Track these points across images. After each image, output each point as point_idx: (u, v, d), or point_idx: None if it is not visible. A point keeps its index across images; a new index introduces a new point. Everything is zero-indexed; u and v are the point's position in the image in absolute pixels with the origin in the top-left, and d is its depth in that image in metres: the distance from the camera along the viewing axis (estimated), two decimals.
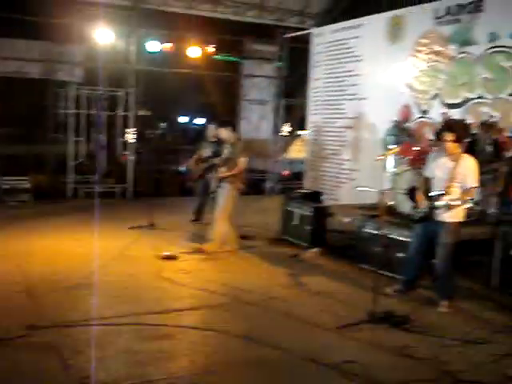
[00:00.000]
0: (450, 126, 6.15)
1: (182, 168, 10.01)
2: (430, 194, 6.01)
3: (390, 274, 6.94)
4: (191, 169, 10.20)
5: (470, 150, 8.74)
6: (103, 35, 13.17)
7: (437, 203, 5.86)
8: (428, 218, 6.03)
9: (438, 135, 6.34)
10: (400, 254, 7.01)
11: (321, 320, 5.72)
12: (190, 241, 9.02)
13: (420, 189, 6.26)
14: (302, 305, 6.27)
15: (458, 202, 5.69)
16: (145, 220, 9.95)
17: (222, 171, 8.19)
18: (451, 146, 5.84)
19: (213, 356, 4.84)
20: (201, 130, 9.59)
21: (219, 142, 8.61)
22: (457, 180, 5.79)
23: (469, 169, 5.82)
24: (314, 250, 8.54)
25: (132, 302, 6.09)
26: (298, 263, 8.13)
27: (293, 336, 5.34)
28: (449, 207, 5.76)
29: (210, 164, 9.55)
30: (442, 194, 5.80)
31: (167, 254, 7.89)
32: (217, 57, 15.54)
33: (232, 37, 15.70)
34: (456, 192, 5.77)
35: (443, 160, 5.98)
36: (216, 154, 8.67)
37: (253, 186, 15.76)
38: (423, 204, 6.07)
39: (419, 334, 5.41)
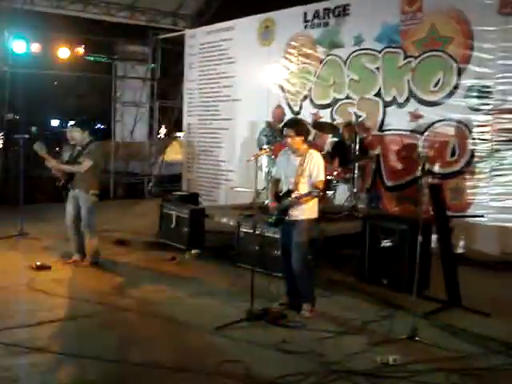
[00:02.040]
0: (288, 123, 6.35)
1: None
2: (279, 195, 6.03)
3: (267, 272, 7.08)
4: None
5: (338, 149, 9.23)
6: None
7: (285, 202, 5.86)
8: (281, 221, 5.99)
9: (282, 133, 6.47)
10: (275, 252, 7.16)
11: (199, 322, 5.72)
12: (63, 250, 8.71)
13: (270, 191, 6.24)
14: (179, 308, 6.23)
15: (306, 197, 5.70)
16: (15, 228, 9.48)
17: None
18: (293, 141, 5.90)
19: (95, 367, 4.71)
20: None
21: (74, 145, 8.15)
22: (304, 175, 5.81)
23: (315, 163, 5.83)
24: (192, 251, 8.54)
25: (3, 316, 5.79)
26: (176, 266, 8.10)
27: (170, 342, 5.31)
28: (298, 203, 5.76)
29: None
30: (291, 192, 5.80)
31: (40, 263, 7.56)
32: (88, 58, 15.11)
33: (103, 37, 15.33)
34: (304, 188, 5.78)
35: (289, 157, 6.02)
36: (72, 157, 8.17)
37: (130, 189, 15.56)
38: (273, 207, 6.03)
39: (295, 329, 5.57)
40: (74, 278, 7.36)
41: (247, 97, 12.15)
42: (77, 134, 7.84)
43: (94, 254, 7.85)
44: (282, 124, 7.09)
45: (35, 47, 13.44)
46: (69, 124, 8.95)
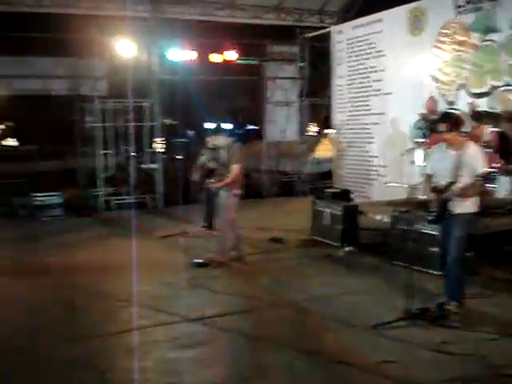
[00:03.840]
0: (440, 118, 6.12)
1: (196, 177, 9.97)
2: (437, 188, 5.77)
3: (424, 270, 6.83)
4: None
5: (499, 140, 8.67)
6: (125, 47, 13.29)
7: (446, 196, 5.64)
8: (442, 216, 5.75)
9: (434, 129, 6.23)
10: (433, 249, 6.90)
11: (355, 320, 5.66)
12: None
13: (426, 187, 6.02)
14: (335, 305, 6.22)
15: (468, 189, 5.48)
16: (176, 228, 10.00)
17: (215, 181, 8.12)
18: (448, 136, 5.71)
19: (247, 362, 4.83)
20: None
21: (216, 149, 8.46)
22: (463, 168, 5.56)
23: (473, 155, 5.60)
24: (346, 249, 8.47)
25: (167, 311, 6.11)
26: (331, 263, 8.08)
27: (327, 337, 5.29)
28: (459, 197, 5.55)
29: (206, 171, 9.64)
30: (451, 184, 5.58)
31: (199, 261, 7.90)
32: (239, 61, 15.53)
33: (252, 40, 15.69)
34: (465, 181, 5.55)
35: (446, 152, 5.80)
36: (214, 161, 8.52)
37: (282, 187, 15.78)
38: (434, 202, 5.79)
39: (455, 330, 5.32)
40: (230, 274, 7.60)
41: (398, 90, 11.83)
42: (219, 139, 8.18)
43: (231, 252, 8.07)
44: (436, 119, 6.82)
45: (189, 54, 14.06)
46: (208, 128, 9.33)
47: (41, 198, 12.46)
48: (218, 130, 8.36)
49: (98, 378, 4.53)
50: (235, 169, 7.88)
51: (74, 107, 14.23)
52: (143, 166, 14.51)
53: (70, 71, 13.70)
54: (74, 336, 5.40)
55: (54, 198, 12.58)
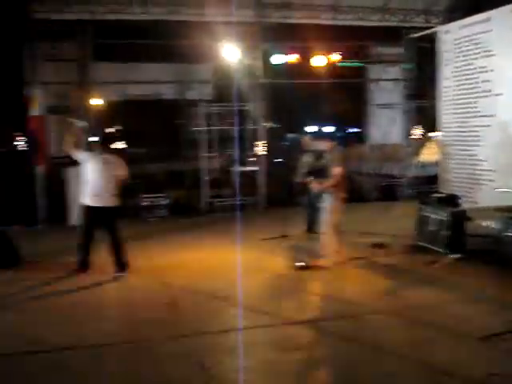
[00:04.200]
0: None
1: (298, 180, 10.03)
2: None
3: None
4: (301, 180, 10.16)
5: None
6: (230, 52, 13.55)
7: None
8: None
9: None
10: None
11: (462, 329, 5.47)
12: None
13: None
14: (440, 313, 6.04)
15: None
16: (277, 231, 10.06)
17: (317, 183, 8.06)
18: None
19: (353, 368, 4.78)
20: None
21: (316, 152, 8.51)
22: None
23: None
24: (453, 255, 8.20)
25: (270, 312, 6.16)
26: (437, 270, 7.84)
27: (431, 347, 5.14)
28: None
29: (308, 174, 9.69)
30: None
31: (301, 264, 7.90)
32: (342, 64, 15.44)
33: (356, 42, 15.54)
34: None
35: None
36: (315, 164, 8.59)
37: (384, 191, 15.50)
38: None
39: None
40: (333, 279, 7.54)
41: (509, 91, 11.32)
42: (321, 143, 8.17)
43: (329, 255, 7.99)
44: None
45: (293, 58, 14.13)
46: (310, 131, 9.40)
47: (149, 199, 12.94)
48: (319, 133, 8.36)
49: (203, 374, 4.63)
50: (336, 171, 7.83)
51: (180, 111, 14.67)
52: (245, 168, 14.72)
53: (178, 76, 14.12)
54: (179, 333, 5.57)
55: (160, 200, 13.02)
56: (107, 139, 8.51)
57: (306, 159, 9.99)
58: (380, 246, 9.25)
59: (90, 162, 7.87)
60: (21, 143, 14.87)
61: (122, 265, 7.84)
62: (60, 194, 12.22)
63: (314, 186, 8.16)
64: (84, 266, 7.88)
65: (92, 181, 7.80)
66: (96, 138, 7.62)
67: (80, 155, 8.02)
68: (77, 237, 7.87)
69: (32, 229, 12.00)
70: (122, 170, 7.97)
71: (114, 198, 7.89)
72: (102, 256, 7.91)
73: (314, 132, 8.50)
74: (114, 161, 7.93)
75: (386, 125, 15.69)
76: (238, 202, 13.52)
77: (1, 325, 6.00)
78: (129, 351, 5.20)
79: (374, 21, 14.75)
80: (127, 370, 4.80)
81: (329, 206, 7.95)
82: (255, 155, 14.59)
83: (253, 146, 14.66)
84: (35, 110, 12.09)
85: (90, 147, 7.94)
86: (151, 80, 13.98)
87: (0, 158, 12.51)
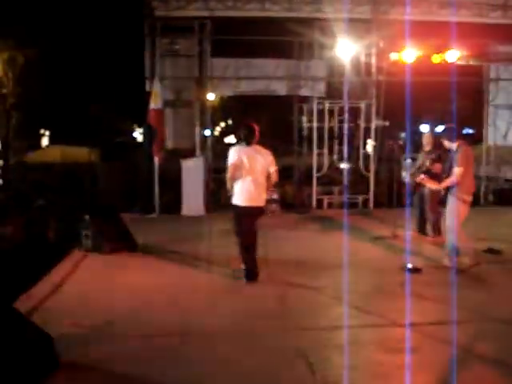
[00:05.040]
0: None
1: (405, 177, 9.85)
2: None
3: None
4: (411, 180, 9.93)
5: None
6: (344, 49, 13.49)
7: None
8: None
9: None
10: None
11: None
12: (431, 253, 8.79)
13: None
14: None
15: None
16: (387, 230, 9.94)
17: (435, 183, 7.83)
18: None
19: (455, 374, 4.65)
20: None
21: (435, 151, 8.18)
22: None
23: None
24: None
25: (376, 313, 6.12)
26: None
27: None
28: None
29: (422, 174, 9.45)
30: None
31: (412, 266, 7.76)
32: (460, 62, 14.92)
33: (475, 40, 14.95)
34: None
35: None
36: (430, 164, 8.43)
37: (501, 196, 14.87)
38: None
39: None
40: (445, 282, 7.31)
41: None
42: (445, 142, 7.93)
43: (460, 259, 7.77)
44: None
45: (409, 55, 13.82)
46: (426, 130, 9.23)
47: None
48: (436, 133, 8.15)
49: (307, 368, 4.69)
50: (457, 172, 7.59)
51: (292, 107, 14.78)
52: (354, 166, 14.62)
53: (291, 73, 14.23)
54: (286, 327, 5.66)
55: (272, 194, 13.15)
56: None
57: (422, 158, 9.79)
58: (494, 252, 8.88)
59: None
60: (140, 135, 15.54)
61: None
62: (176, 185, 12.71)
63: (431, 185, 7.93)
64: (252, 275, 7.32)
65: None
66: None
67: None
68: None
69: (148, 217, 12.57)
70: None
71: None
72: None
73: (433, 132, 8.25)
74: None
75: (505, 126, 15.01)
76: (347, 200, 13.48)
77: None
78: (238, 341, 5.34)
79: (495, 18, 14.17)
80: (233, 357, 4.94)
81: (451, 208, 7.76)
82: (366, 153, 14.47)
83: (364, 143, 14.54)
84: (155, 104, 12.59)
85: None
86: (265, 76, 14.16)
87: (120, 148, 13.18)
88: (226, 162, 7.24)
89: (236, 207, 7.32)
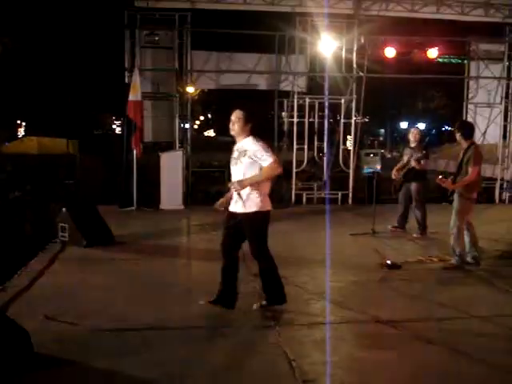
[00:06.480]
0: None
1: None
2: None
3: None
4: (395, 177, 9.96)
5: None
6: (325, 44, 13.44)
7: None
8: None
9: None
10: None
11: None
12: (411, 249, 8.79)
13: None
14: None
15: None
16: (366, 226, 9.93)
17: (449, 182, 7.79)
18: None
19: (435, 372, 4.63)
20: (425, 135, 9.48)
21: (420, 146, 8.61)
22: None
23: None
24: None
25: (356, 309, 6.08)
26: None
27: None
28: None
29: (407, 170, 9.68)
30: None
31: (390, 262, 7.74)
32: (440, 59, 14.98)
33: (456, 37, 15.02)
34: None
35: None
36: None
37: (481, 194, 14.95)
38: None
39: None
40: (424, 279, 7.32)
41: None
42: (458, 137, 7.83)
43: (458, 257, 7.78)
44: None
45: (389, 52, 13.82)
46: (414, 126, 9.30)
47: None
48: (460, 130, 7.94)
49: (287, 365, 4.62)
50: (474, 171, 7.53)
51: (272, 102, 14.70)
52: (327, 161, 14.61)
53: (272, 67, 14.15)
54: (265, 323, 5.60)
55: None
56: None
57: (407, 155, 9.79)
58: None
59: None
60: (118, 127, 15.38)
61: None
62: (155, 178, 12.58)
63: (446, 184, 7.84)
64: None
65: None
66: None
67: None
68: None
69: (125, 210, 12.42)
70: None
71: None
72: None
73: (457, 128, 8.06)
74: None
75: (484, 124, 15.09)
76: (326, 196, 13.47)
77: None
78: (215, 336, 5.27)
79: (476, 16, 14.25)
80: (210, 353, 4.86)
81: (459, 206, 7.73)
82: (346, 149, 14.47)
83: (344, 140, 14.52)
84: (134, 96, 12.42)
85: None
86: (246, 70, 14.06)
87: (98, 140, 13.02)
88: (265, 154, 5.62)
89: (266, 214, 5.80)
